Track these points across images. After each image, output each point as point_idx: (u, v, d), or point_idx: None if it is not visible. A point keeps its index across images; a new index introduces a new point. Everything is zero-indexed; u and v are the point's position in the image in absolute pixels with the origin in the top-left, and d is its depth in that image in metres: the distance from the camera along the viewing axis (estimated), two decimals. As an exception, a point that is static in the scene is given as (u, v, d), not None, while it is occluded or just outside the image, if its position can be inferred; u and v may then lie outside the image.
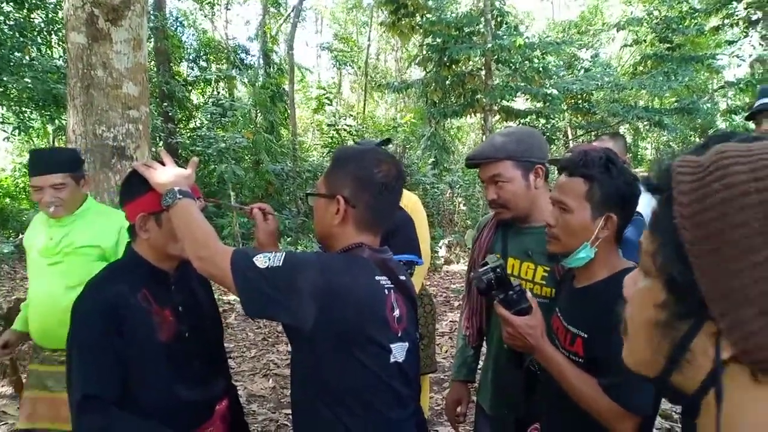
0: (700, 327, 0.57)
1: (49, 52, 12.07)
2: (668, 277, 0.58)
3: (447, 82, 12.41)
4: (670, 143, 20.42)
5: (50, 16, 10.96)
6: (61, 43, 11.64)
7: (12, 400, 4.12)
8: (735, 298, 0.52)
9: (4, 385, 4.29)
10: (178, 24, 15.97)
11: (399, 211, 2.86)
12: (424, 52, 12.82)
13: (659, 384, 0.64)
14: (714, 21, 13.06)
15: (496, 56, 11.46)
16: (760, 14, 11.55)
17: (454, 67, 11.99)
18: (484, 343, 2.20)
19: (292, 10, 17.28)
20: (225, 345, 2.05)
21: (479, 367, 2.28)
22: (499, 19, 11.90)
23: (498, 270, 1.54)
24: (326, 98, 15.89)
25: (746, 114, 3.12)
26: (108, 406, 1.54)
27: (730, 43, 12.21)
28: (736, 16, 11.98)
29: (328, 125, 15.55)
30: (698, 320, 0.56)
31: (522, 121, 12.40)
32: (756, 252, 0.50)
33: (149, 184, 1.62)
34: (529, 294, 1.57)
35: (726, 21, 12.35)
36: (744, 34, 11.88)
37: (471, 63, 12.39)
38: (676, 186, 0.57)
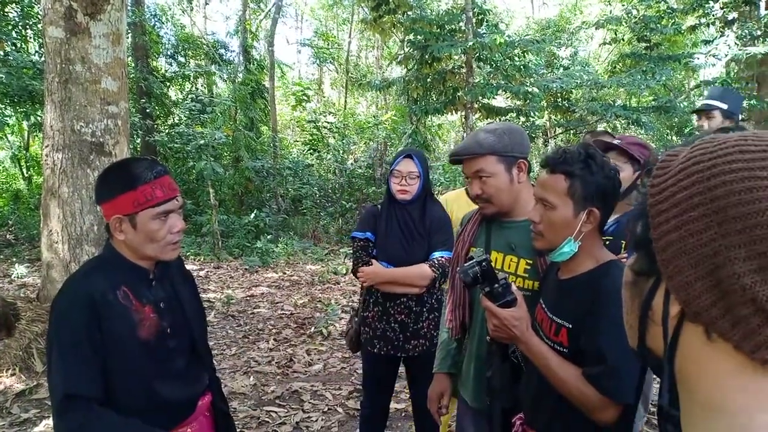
0: (659, 284, 0.63)
1: (24, 46, 11.85)
2: (634, 236, 0.67)
3: (428, 79, 12.41)
4: (648, 141, 20.66)
5: (26, 10, 10.76)
6: (37, 37, 11.43)
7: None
8: (674, 249, 0.59)
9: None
10: (155, 20, 15.77)
11: (438, 206, 2.90)
12: (406, 50, 12.82)
13: (640, 352, 0.68)
14: (691, 20, 13.22)
15: (477, 54, 11.49)
16: (735, 14, 11.72)
17: (435, 64, 12.00)
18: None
19: (272, 6, 17.17)
20: (205, 342, 2.04)
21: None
22: (480, 17, 11.94)
23: (484, 264, 1.56)
24: (304, 95, 15.80)
25: (692, 110, 3.61)
26: (90, 404, 1.52)
27: (707, 42, 12.35)
28: (713, 15, 12.14)
29: (309, 122, 15.48)
30: (658, 278, 0.63)
31: (503, 118, 12.45)
32: (694, 209, 0.57)
33: (124, 185, 1.59)
34: (514, 287, 1.59)
35: (702, 20, 12.50)
36: (720, 33, 12.04)
37: (452, 60, 12.42)
38: (658, 162, 0.66)
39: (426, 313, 2.83)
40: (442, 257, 2.76)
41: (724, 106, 3.50)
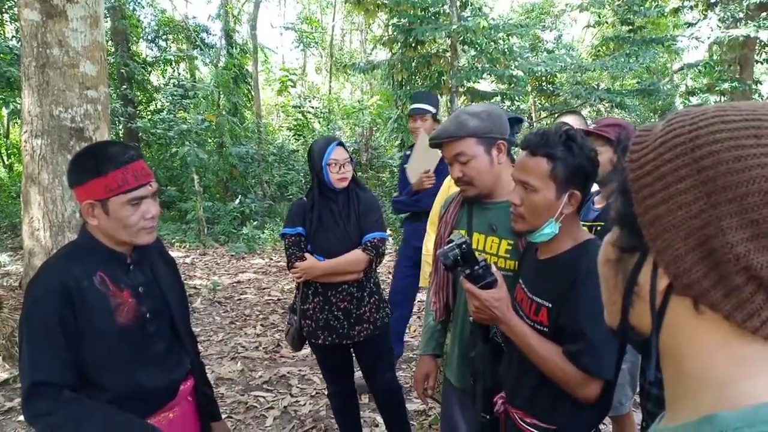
0: (645, 259, 0.62)
1: (1, 31, 11.62)
2: (616, 213, 0.66)
3: (413, 63, 12.35)
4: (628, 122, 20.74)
5: (1, -7, 10.53)
6: (13, 22, 11.20)
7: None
8: (662, 223, 0.58)
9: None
10: (135, 3, 15.50)
11: (367, 193, 2.92)
12: (390, 33, 12.73)
13: (621, 329, 0.68)
14: (674, 3, 13.26)
15: (461, 37, 11.44)
16: (718, -3, 11.80)
17: (419, 48, 11.94)
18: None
19: (255, -11, 16.92)
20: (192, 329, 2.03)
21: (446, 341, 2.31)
22: (463, 1, 11.87)
23: (463, 246, 1.57)
24: (290, 80, 15.64)
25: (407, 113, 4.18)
26: (59, 390, 1.52)
27: (689, 25, 12.40)
28: (696, -2, 12.21)
29: (293, 107, 15.36)
30: (644, 253, 0.62)
31: (488, 102, 12.45)
32: (681, 181, 0.57)
33: (95, 170, 1.56)
34: (494, 268, 1.60)
35: (685, 3, 12.55)
36: (703, 16, 12.10)
37: (437, 44, 12.35)
38: (633, 138, 0.66)
39: (367, 298, 2.83)
40: (374, 239, 2.76)
41: (433, 110, 4.00)
